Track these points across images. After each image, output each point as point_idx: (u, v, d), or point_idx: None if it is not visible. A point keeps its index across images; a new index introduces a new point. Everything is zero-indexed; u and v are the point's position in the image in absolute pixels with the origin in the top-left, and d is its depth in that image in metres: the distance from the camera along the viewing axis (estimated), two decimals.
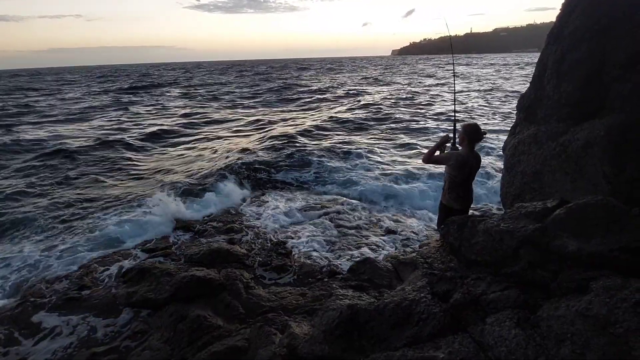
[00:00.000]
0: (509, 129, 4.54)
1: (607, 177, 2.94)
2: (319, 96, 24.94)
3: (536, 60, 4.03)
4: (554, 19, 3.95)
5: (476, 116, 15.85)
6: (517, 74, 38.80)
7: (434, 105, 19.94)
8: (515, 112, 4.38)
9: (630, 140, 2.86)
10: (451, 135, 3.60)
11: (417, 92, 25.46)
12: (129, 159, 10.70)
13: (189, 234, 5.77)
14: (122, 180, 8.81)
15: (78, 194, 7.75)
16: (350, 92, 26.67)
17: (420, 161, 3.45)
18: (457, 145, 3.52)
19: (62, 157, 10.60)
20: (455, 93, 5.67)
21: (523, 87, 16.36)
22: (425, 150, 3.73)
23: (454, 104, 4.84)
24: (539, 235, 2.10)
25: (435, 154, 3.47)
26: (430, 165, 3.39)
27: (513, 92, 23.32)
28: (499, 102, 19.93)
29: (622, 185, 2.82)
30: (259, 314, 3.66)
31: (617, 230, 1.95)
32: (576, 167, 3.23)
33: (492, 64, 64.56)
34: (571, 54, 3.50)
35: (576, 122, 3.37)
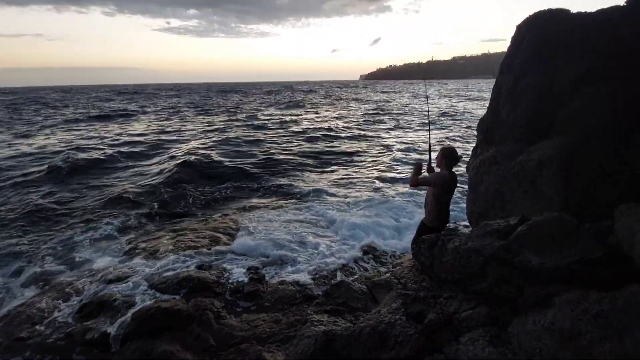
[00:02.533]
0: None
1: (560, 195, 3.16)
2: None
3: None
4: (505, 49, 4.32)
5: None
6: None
7: None
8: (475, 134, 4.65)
9: (579, 159, 3.11)
10: (424, 162, 3.79)
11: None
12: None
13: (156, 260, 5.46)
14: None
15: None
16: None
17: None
18: (433, 166, 3.71)
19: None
20: (429, 117, 5.88)
21: None
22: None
23: (429, 128, 5.06)
24: (503, 252, 2.19)
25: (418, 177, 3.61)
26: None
27: None
28: None
29: (574, 202, 3.03)
30: (230, 345, 3.48)
31: (572, 244, 2.08)
32: (532, 185, 3.45)
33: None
34: (522, 81, 3.82)
35: (530, 143, 3.63)
